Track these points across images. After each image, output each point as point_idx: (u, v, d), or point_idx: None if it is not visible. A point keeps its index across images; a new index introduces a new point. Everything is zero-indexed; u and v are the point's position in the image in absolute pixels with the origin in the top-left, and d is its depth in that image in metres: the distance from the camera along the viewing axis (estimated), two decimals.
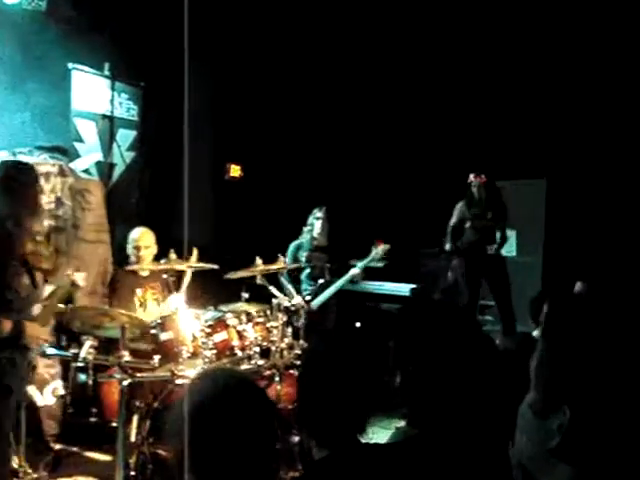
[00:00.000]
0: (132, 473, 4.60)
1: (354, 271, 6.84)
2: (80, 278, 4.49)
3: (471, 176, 7.66)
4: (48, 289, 4.20)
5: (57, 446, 5.31)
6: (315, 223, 7.16)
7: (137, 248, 5.76)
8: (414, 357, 2.18)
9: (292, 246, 7.19)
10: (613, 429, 1.00)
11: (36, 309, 4.00)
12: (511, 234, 9.10)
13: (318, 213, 7.18)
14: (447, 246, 7.83)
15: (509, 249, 8.74)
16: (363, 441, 2.18)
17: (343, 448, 2.06)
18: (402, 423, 2.30)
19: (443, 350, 2.14)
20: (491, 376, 2.14)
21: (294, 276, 7.00)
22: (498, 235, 7.88)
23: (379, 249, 6.86)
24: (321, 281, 7.04)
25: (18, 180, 3.91)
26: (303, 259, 7.03)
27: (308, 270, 7.11)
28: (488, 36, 8.73)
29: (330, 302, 6.92)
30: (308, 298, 6.82)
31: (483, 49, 8.85)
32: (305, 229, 7.25)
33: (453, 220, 7.81)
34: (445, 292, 8.29)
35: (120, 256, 6.29)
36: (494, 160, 8.43)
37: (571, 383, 1.07)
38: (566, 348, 1.12)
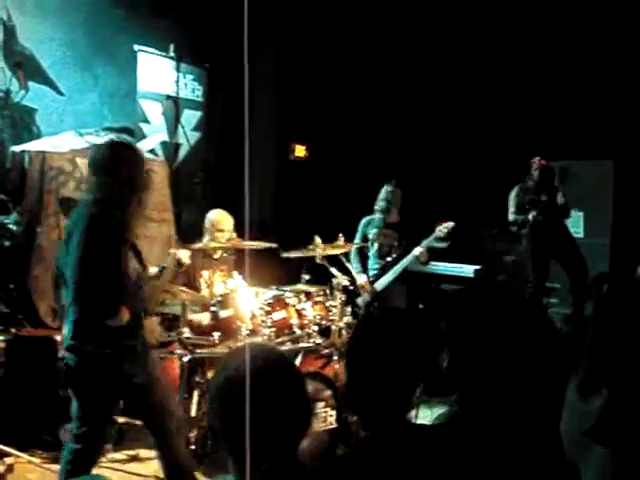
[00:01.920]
0: (192, 447, 4.69)
1: (417, 250, 6.71)
2: (185, 256, 4.27)
3: (534, 160, 7.54)
4: (153, 270, 4.05)
5: (121, 419, 5.42)
6: (386, 196, 6.96)
7: (209, 229, 5.67)
8: (466, 338, 2.16)
9: (363, 222, 7.05)
10: None
11: (146, 291, 3.91)
12: (578, 215, 8.94)
13: (388, 187, 6.99)
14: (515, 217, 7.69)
15: (576, 230, 8.58)
16: (409, 422, 2.18)
17: (388, 428, 2.05)
18: (449, 405, 2.29)
19: (497, 333, 2.11)
20: (545, 360, 2.11)
21: (363, 253, 6.93)
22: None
23: (442, 227, 6.71)
24: (388, 259, 6.96)
25: (122, 159, 3.71)
26: (371, 236, 6.94)
27: (376, 247, 6.99)
28: (553, 14, 8.55)
29: (396, 284, 6.85)
30: (372, 279, 6.80)
31: (546, 27, 8.66)
32: (376, 205, 7.05)
33: (512, 207, 7.69)
34: (511, 274, 8.19)
35: (186, 235, 6.37)
36: (561, 140, 8.27)
37: (613, 365, 1.05)
38: (615, 330, 1.10)
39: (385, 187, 7.05)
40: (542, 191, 7.56)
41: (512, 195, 7.71)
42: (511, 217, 7.70)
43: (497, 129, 9.23)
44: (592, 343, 1.11)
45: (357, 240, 6.85)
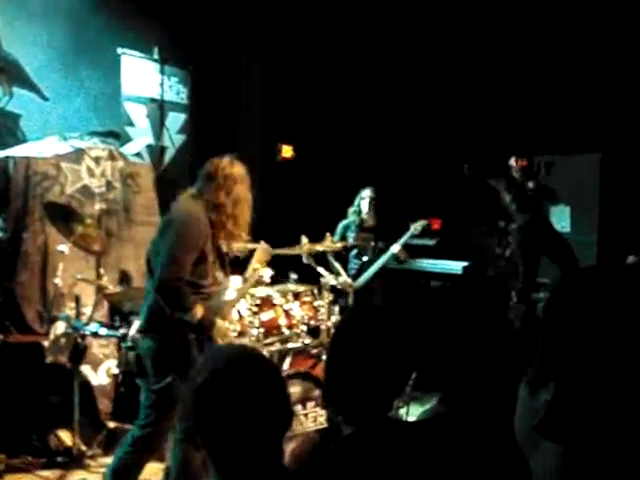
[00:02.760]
0: None
1: (394, 248, 6.81)
2: (267, 275, 4.66)
3: (512, 160, 7.55)
4: (236, 284, 4.40)
5: (111, 424, 5.41)
6: (362, 203, 7.13)
7: None
8: (448, 334, 2.16)
9: (340, 226, 7.17)
10: (597, 405, 0.98)
11: (225, 300, 4.25)
12: (565, 210, 8.97)
13: (364, 193, 7.14)
14: (516, 222, 7.71)
15: (563, 225, 8.60)
16: (391, 418, 2.18)
17: (371, 424, 2.05)
18: (434, 402, 2.29)
19: (478, 329, 2.11)
20: (530, 356, 2.11)
21: (342, 256, 6.97)
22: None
23: (417, 224, 6.83)
24: (365, 259, 7.04)
25: (232, 176, 4.11)
26: (351, 239, 7.01)
27: (355, 250, 7.10)
28: (541, 7, 8.58)
29: (375, 282, 6.90)
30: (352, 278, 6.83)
31: (533, 21, 8.69)
32: (350, 210, 7.21)
33: (507, 196, 7.71)
34: (499, 269, 8.21)
35: None
36: (548, 134, 8.29)
37: (560, 360, 1.05)
38: (562, 326, 1.10)
39: (362, 193, 7.18)
40: (528, 181, 7.59)
41: (503, 195, 7.71)
42: (508, 201, 7.69)
43: (484, 124, 9.25)
44: (541, 339, 1.11)
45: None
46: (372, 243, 7.06)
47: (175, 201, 4.21)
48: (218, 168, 4.11)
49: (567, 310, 1.09)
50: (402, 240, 6.87)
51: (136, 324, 4.80)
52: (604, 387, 0.97)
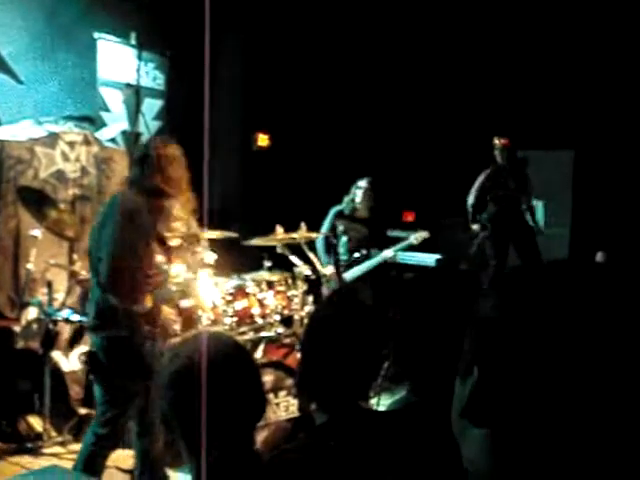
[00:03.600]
0: None
1: (387, 253, 6.84)
2: (212, 259, 4.63)
3: (495, 139, 7.61)
4: (181, 269, 4.30)
5: (82, 410, 5.39)
6: (357, 192, 7.01)
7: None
8: (418, 325, 2.17)
9: (333, 212, 7.04)
10: (518, 388, 1.01)
11: (171, 288, 4.14)
12: (538, 205, 9.04)
13: (360, 183, 7.03)
14: (474, 226, 7.78)
15: (536, 220, 8.68)
16: (363, 408, 2.19)
17: (343, 414, 2.07)
18: (404, 392, 2.31)
19: (447, 320, 2.12)
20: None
21: (330, 243, 6.94)
22: (523, 207, 7.84)
23: (418, 235, 6.85)
24: (357, 255, 7.02)
25: (170, 158, 3.97)
26: (341, 228, 6.96)
27: (345, 240, 7.01)
28: (518, 4, 8.62)
29: (363, 280, 6.92)
30: (342, 270, 6.84)
31: (513, 18, 8.73)
32: (346, 198, 7.09)
33: (471, 199, 7.76)
34: (471, 262, 8.26)
35: None
36: (522, 130, 8.35)
37: (481, 345, 1.08)
38: (488, 316, 1.13)
39: (359, 183, 7.06)
40: (510, 174, 7.65)
41: (478, 180, 7.75)
42: (468, 205, 7.76)
43: (459, 118, 9.29)
44: (470, 332, 1.13)
45: (325, 229, 6.86)
46: (365, 237, 7.03)
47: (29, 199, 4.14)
48: (150, 151, 3.99)
49: (496, 303, 1.12)
50: (398, 248, 6.93)
51: None
52: (524, 371, 1.01)
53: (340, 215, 7.04)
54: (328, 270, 6.65)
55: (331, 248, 6.85)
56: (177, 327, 4.20)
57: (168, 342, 4.04)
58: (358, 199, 7.00)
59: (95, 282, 3.83)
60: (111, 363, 3.81)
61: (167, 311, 4.02)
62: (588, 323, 1.01)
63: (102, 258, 3.72)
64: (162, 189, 3.90)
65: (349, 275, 6.82)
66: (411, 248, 8.25)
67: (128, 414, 3.89)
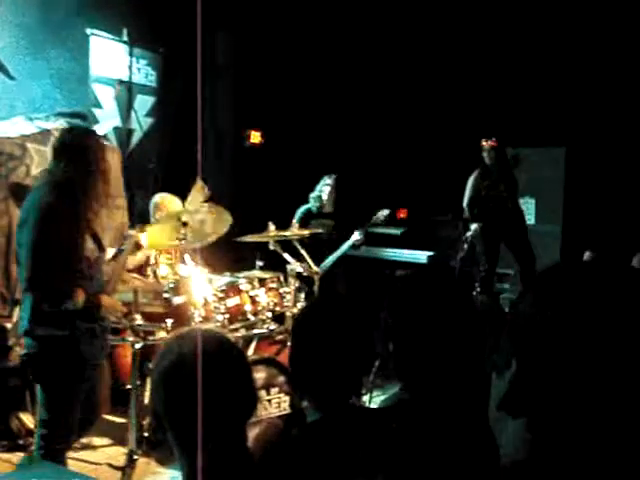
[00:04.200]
0: (145, 434, 4.69)
1: (355, 236, 6.95)
2: (144, 239, 4.47)
3: (482, 141, 7.63)
4: (110, 251, 4.20)
5: None
6: (323, 189, 7.23)
7: (156, 213, 5.76)
8: (410, 323, 2.18)
9: (299, 211, 7.23)
10: (557, 380, 1.02)
11: (105, 274, 4.02)
12: (530, 202, 9.08)
13: (328, 180, 7.26)
14: (474, 225, 7.78)
15: (528, 217, 8.70)
16: (357, 405, 2.20)
17: (335, 411, 2.07)
18: (397, 389, 2.31)
19: (440, 318, 2.13)
20: (489, 345, 2.14)
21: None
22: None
23: (379, 214, 6.93)
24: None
25: (85, 146, 3.81)
26: (313, 224, 7.06)
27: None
28: (508, 3, 8.63)
29: (337, 269, 7.00)
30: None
31: (503, 16, 8.74)
32: (312, 195, 7.29)
33: (466, 199, 7.78)
34: (463, 260, 8.29)
35: (139, 221, 6.33)
36: (513, 127, 8.36)
37: (522, 338, 1.10)
38: (526, 307, 1.15)
39: (325, 180, 7.27)
40: (500, 175, 7.66)
41: (470, 181, 7.78)
42: (465, 205, 7.78)
43: (450, 116, 9.31)
44: (508, 325, 1.16)
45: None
46: (332, 230, 7.21)
47: (32, 188, 3.97)
48: (67, 141, 3.85)
49: (534, 299, 1.15)
50: (364, 228, 7.00)
51: None
52: (562, 364, 1.03)
53: (309, 214, 7.24)
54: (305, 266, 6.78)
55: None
56: (121, 314, 4.19)
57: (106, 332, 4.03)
58: (325, 195, 7.21)
59: (23, 285, 3.70)
60: (49, 365, 3.71)
61: (109, 301, 3.92)
62: (625, 318, 1.03)
63: (25, 260, 3.61)
64: (81, 181, 3.76)
65: (322, 266, 6.85)
66: (404, 245, 8.31)
67: (73, 417, 3.81)
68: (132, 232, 4.45)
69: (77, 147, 3.79)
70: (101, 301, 3.82)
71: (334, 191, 7.25)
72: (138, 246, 4.46)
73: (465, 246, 7.73)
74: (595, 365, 1.01)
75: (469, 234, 7.74)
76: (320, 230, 6.84)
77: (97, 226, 3.93)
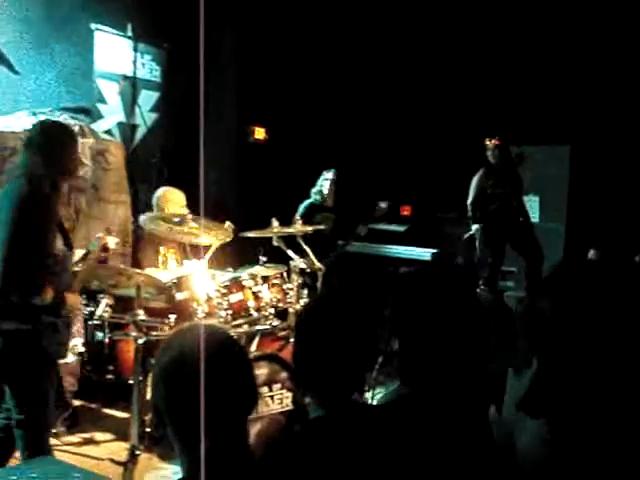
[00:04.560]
0: (147, 430, 4.69)
1: (360, 230, 7.35)
2: (112, 242, 4.50)
3: (486, 140, 7.61)
4: (79, 253, 4.18)
5: (76, 402, 5.39)
6: (324, 184, 7.43)
7: (159, 207, 5.77)
8: (414, 319, 2.17)
9: (302, 206, 7.38)
10: (577, 382, 1.02)
11: (71, 272, 3.98)
12: (534, 200, 9.05)
13: (327, 174, 7.45)
14: (473, 227, 7.78)
15: (532, 215, 8.68)
16: (359, 401, 2.19)
17: (338, 408, 2.07)
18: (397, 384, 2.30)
19: (444, 315, 2.12)
20: (494, 342, 2.13)
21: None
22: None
23: (379, 207, 7.14)
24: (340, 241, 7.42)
25: (56, 140, 3.81)
26: (317, 219, 7.22)
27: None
28: (511, 2, 8.63)
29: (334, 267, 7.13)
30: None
31: (509, 13, 8.72)
32: (313, 190, 7.50)
33: (470, 199, 7.76)
34: (467, 258, 8.28)
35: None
36: (518, 125, 8.34)
37: (544, 339, 1.09)
38: (547, 308, 1.14)
39: (325, 174, 7.48)
40: (504, 173, 7.64)
41: (474, 181, 7.76)
42: (469, 205, 7.77)
43: (455, 113, 9.29)
44: (526, 325, 1.15)
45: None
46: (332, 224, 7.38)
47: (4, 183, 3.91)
48: (35, 134, 3.83)
49: (552, 299, 1.14)
50: (367, 221, 7.35)
51: (104, 302, 4.79)
52: (581, 367, 1.02)
53: (313, 207, 7.40)
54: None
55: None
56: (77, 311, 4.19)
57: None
58: (326, 190, 7.42)
59: None
60: (12, 360, 3.67)
61: (72, 299, 3.91)
62: None
63: None
64: (51, 174, 3.75)
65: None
66: (408, 242, 8.34)
67: (46, 414, 3.79)
68: (100, 234, 4.49)
69: (45, 140, 3.78)
70: (66, 298, 3.81)
71: (334, 185, 7.42)
72: (105, 248, 4.45)
73: (477, 244, 7.73)
74: (615, 365, 1.00)
75: (468, 234, 7.76)
76: (322, 226, 6.87)
77: (66, 223, 3.96)
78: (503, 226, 7.71)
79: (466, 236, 7.78)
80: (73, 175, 3.94)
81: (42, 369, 3.74)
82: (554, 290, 1.17)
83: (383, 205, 7.17)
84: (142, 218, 5.11)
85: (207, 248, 5.05)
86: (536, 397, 1.06)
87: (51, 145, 3.77)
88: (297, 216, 6.69)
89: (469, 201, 7.74)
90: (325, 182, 7.42)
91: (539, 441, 1.08)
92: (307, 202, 7.42)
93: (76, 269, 4.06)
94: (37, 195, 3.65)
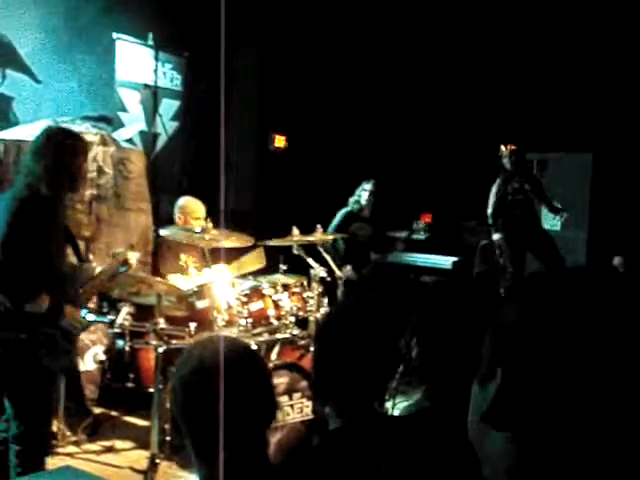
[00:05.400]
0: (167, 438, 4.69)
1: (398, 245, 7.37)
2: (133, 257, 4.30)
3: (501, 147, 7.59)
4: (99, 268, 4.05)
5: (96, 410, 5.40)
6: (362, 194, 7.47)
7: (180, 216, 5.78)
8: (437, 330, 2.15)
9: (342, 213, 7.43)
10: (542, 392, 1.00)
11: (80, 284, 3.88)
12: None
13: (366, 185, 7.50)
14: (495, 236, 7.74)
15: (553, 223, 8.61)
16: (380, 412, 2.18)
17: (358, 419, 2.05)
18: (418, 396, 2.28)
19: (467, 326, 2.10)
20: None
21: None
22: (544, 210, 7.82)
23: (419, 223, 7.22)
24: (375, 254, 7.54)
25: (60, 146, 3.70)
26: (353, 228, 7.34)
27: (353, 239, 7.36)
28: (532, 9, 8.59)
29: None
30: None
31: (530, 23, 8.69)
32: (351, 199, 7.52)
33: (491, 205, 7.73)
34: (489, 265, 8.24)
35: (165, 224, 6.35)
36: (540, 133, 8.30)
37: (507, 349, 1.07)
38: (510, 320, 1.12)
39: (364, 185, 7.51)
40: (521, 177, 7.61)
41: (493, 189, 7.73)
42: (489, 214, 7.74)
43: (477, 121, 9.25)
44: (491, 335, 1.13)
45: (336, 230, 7.10)
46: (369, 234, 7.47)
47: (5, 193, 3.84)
48: (44, 142, 3.73)
49: (519, 305, 1.12)
50: (405, 235, 7.70)
51: (124, 310, 4.79)
52: (547, 375, 1.00)
53: (351, 215, 7.44)
54: (347, 270, 6.87)
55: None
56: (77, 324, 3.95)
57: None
58: (364, 201, 7.47)
59: None
60: (10, 369, 3.60)
61: (70, 312, 3.76)
62: (611, 328, 1.00)
63: None
64: (52, 180, 3.64)
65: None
66: (429, 250, 8.40)
67: (44, 428, 3.75)
68: (120, 250, 4.32)
69: (48, 145, 3.69)
70: (65, 310, 3.69)
71: (373, 196, 7.48)
72: (127, 264, 4.24)
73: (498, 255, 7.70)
74: (584, 376, 0.98)
75: (485, 242, 7.74)
76: (339, 237, 6.92)
77: (86, 231, 3.87)
78: (525, 233, 7.67)
79: (482, 243, 7.75)
80: (77, 182, 3.80)
81: (38, 381, 3.64)
82: (523, 298, 1.14)
83: (422, 224, 7.31)
84: (163, 232, 5.11)
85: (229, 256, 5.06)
86: (501, 409, 1.04)
87: (54, 151, 3.68)
88: (333, 223, 6.83)
89: (489, 210, 7.71)
90: (363, 192, 7.49)
91: (505, 455, 1.06)
92: (345, 210, 7.50)
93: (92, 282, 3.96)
94: (35, 200, 3.58)
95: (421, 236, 8.05)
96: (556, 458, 1.00)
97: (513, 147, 7.55)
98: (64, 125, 5.91)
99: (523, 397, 1.01)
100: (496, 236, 7.71)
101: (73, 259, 3.82)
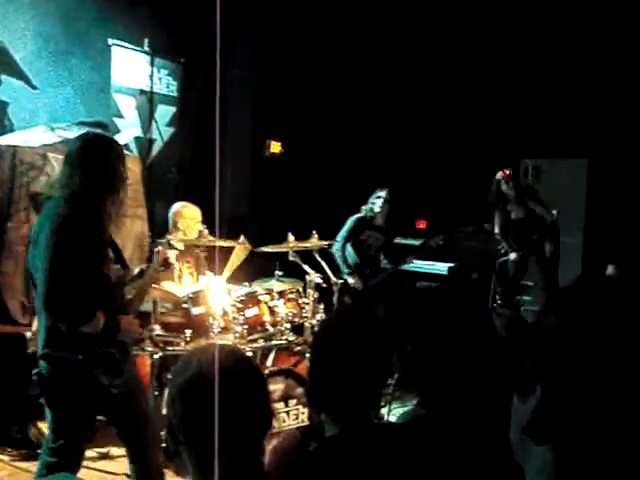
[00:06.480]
0: (163, 445, 4.67)
1: (408, 259, 7.43)
2: (172, 256, 4.15)
3: (498, 174, 7.56)
4: (135, 269, 3.90)
5: None
6: (376, 202, 7.38)
7: (175, 222, 5.78)
8: (431, 337, 2.15)
9: (353, 219, 7.39)
10: (583, 406, 1.00)
11: (128, 293, 3.75)
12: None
13: (380, 193, 7.42)
14: (512, 256, 7.73)
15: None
16: (375, 419, 2.18)
17: (354, 426, 2.05)
18: (414, 403, 2.29)
19: (461, 333, 2.10)
20: (510, 360, 2.11)
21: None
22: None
23: (435, 239, 7.44)
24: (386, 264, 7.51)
25: (98, 154, 3.54)
26: (364, 235, 7.35)
27: (366, 247, 7.39)
28: (530, 15, 8.60)
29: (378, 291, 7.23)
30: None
31: (523, 29, 8.71)
32: (365, 207, 7.44)
33: (497, 228, 7.73)
34: (484, 271, 8.24)
35: (160, 231, 6.35)
36: (535, 138, 8.32)
37: (546, 364, 1.07)
38: (549, 331, 1.11)
39: (378, 192, 7.44)
40: (522, 196, 7.61)
41: (496, 213, 7.73)
42: (498, 235, 7.75)
43: (472, 127, 9.27)
44: (530, 345, 1.13)
45: (346, 237, 7.12)
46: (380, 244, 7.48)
47: (43, 205, 3.68)
48: (87, 149, 3.55)
49: (556, 320, 1.12)
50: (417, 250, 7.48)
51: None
52: (587, 390, 1.00)
53: (364, 222, 7.37)
54: (352, 278, 6.86)
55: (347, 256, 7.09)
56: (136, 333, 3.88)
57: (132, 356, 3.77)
58: (377, 208, 7.36)
59: (39, 305, 3.44)
60: (61, 390, 3.46)
61: (127, 322, 3.62)
62: None
63: (40, 278, 3.36)
64: (98, 191, 3.49)
65: (373, 282, 7.20)
66: (425, 257, 8.38)
67: (81, 446, 3.64)
68: (160, 248, 4.10)
69: (93, 154, 3.53)
70: (120, 323, 3.52)
71: (387, 204, 7.41)
72: (167, 264, 4.10)
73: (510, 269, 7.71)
74: (623, 389, 0.98)
75: (503, 260, 7.72)
76: (334, 244, 6.92)
77: (119, 240, 3.74)
78: (533, 246, 7.66)
79: (500, 261, 7.74)
80: (119, 190, 3.60)
81: (91, 402, 3.52)
82: (561, 311, 1.14)
83: (435, 240, 7.29)
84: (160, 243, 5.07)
85: (224, 262, 5.05)
86: (541, 422, 1.04)
87: (92, 159, 3.51)
88: (345, 228, 6.88)
89: (498, 234, 7.72)
90: (377, 200, 7.39)
91: (546, 468, 1.06)
92: (358, 216, 7.42)
93: (130, 289, 3.80)
94: (77, 214, 3.38)
95: (415, 242, 8.05)
96: (596, 469, 1.00)
97: (509, 172, 7.54)
98: (55, 132, 5.93)
99: (563, 410, 1.01)
100: (513, 255, 7.69)
101: (116, 266, 3.63)
